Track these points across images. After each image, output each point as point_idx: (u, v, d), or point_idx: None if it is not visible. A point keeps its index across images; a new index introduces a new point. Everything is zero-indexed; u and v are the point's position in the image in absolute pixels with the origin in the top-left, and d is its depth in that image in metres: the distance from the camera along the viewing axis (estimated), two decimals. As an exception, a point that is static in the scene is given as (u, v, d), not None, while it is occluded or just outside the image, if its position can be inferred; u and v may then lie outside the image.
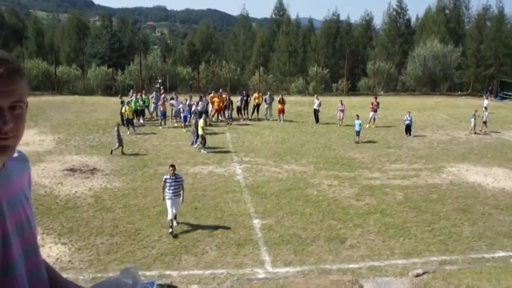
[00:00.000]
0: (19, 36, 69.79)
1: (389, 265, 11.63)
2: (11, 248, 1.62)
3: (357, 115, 25.24)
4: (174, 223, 13.39)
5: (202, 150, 22.10)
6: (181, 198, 13.47)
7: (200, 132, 22.33)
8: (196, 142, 22.86)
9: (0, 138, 1.50)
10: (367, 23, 68.80)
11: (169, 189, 13.16)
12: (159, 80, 42.39)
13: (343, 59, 52.05)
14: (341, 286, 9.90)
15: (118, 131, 21.79)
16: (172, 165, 13.62)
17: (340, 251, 12.38)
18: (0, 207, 1.60)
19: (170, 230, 13.04)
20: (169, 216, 13.15)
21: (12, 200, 1.65)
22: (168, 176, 13.27)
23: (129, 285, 1.76)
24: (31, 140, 23.51)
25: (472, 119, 27.70)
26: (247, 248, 12.44)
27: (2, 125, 1.49)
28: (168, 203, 13.19)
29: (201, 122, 22.80)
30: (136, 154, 21.64)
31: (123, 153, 21.53)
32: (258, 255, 12.10)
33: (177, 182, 13.29)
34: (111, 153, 21.45)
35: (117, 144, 21.61)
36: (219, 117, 30.46)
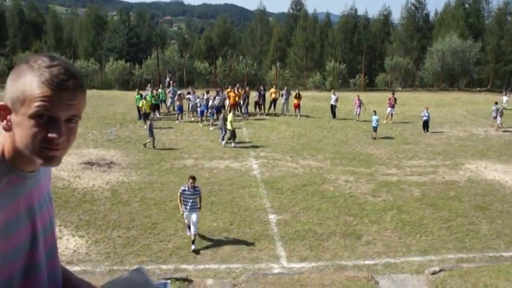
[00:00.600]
0: (38, 30, 70.39)
1: (406, 262, 11.57)
2: (38, 249, 1.66)
3: (374, 111, 25.09)
4: (188, 233, 12.70)
5: (232, 144, 22.19)
6: (199, 211, 12.55)
7: (229, 127, 22.31)
8: (224, 138, 22.87)
9: (51, 149, 1.53)
10: (385, 18, 68.16)
11: (186, 202, 12.24)
12: (169, 74, 42.50)
13: (361, 54, 51.68)
14: (356, 282, 9.88)
15: (151, 125, 21.97)
16: (193, 177, 12.60)
17: (356, 247, 12.34)
18: (33, 208, 1.65)
19: (193, 247, 12.08)
20: (190, 232, 12.38)
21: (41, 201, 1.71)
22: (187, 188, 12.32)
23: (141, 284, 1.78)
24: (50, 133, 23.73)
25: (498, 117, 27.31)
26: (263, 243, 12.46)
27: (57, 136, 1.52)
28: (186, 216, 12.45)
29: (230, 116, 22.78)
30: (153, 148, 21.73)
31: (154, 147, 21.67)
32: (273, 250, 12.12)
33: (196, 195, 12.37)
34: (145, 146, 21.66)
35: (150, 138, 21.73)
36: (236, 112, 30.47)
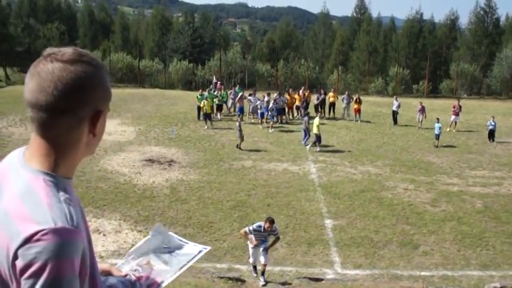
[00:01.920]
0: (106, 30, 72.75)
1: (464, 276, 11.25)
2: (91, 247, 1.63)
3: (437, 118, 24.49)
4: (254, 274, 10.97)
5: (317, 148, 22.23)
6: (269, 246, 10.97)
7: (315, 130, 22.29)
8: (307, 142, 22.92)
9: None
10: (452, 23, 66.17)
11: (257, 240, 10.75)
12: (214, 75, 42.97)
13: (425, 59, 50.51)
14: (412, 293, 9.69)
15: (239, 125, 22.15)
16: (272, 221, 10.70)
17: (412, 257, 12.10)
18: (83, 217, 1.61)
19: (262, 281, 10.51)
20: (256, 272, 10.93)
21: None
22: (262, 230, 10.62)
23: (160, 240, 2.01)
24: (113, 130, 24.54)
25: None
26: (318, 248, 12.42)
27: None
28: (253, 252, 10.90)
29: (317, 120, 22.76)
30: (213, 148, 22.02)
31: (240, 148, 21.84)
32: (328, 255, 12.06)
33: (269, 236, 10.89)
34: (238, 147, 21.80)
35: (239, 138, 21.94)
36: (293, 116, 30.50)
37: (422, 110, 28.06)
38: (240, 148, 21.81)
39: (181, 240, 2.06)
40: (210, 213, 14.45)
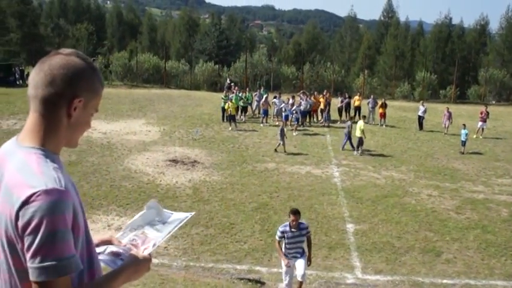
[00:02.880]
0: (134, 31, 73.67)
1: (487, 285, 11.06)
2: (84, 217, 1.91)
3: (463, 124, 24.16)
4: None
5: (358, 152, 22.30)
6: (306, 257, 9.46)
7: (359, 134, 22.26)
8: (344, 145, 23.03)
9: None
10: (482, 28, 65.25)
11: (289, 247, 9.29)
12: (230, 77, 43.09)
13: (453, 64, 49.93)
14: (433, 300, 9.57)
15: (282, 129, 22.03)
16: (296, 212, 9.16)
17: (434, 264, 11.95)
18: (74, 187, 1.88)
19: None
20: (285, 283, 9.57)
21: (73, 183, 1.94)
22: (288, 229, 9.17)
23: (155, 214, 2.28)
24: (138, 129, 24.80)
25: None
26: (338, 252, 12.36)
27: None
28: (287, 270, 9.41)
29: (361, 124, 22.67)
30: (236, 150, 22.08)
31: (277, 150, 21.84)
32: (348, 260, 11.99)
33: (302, 236, 9.32)
34: (285, 151, 21.80)
35: (281, 142, 21.89)
36: (319, 118, 30.44)
37: (449, 116, 27.73)
38: (277, 151, 21.79)
39: (170, 212, 2.31)
40: (232, 214, 14.48)
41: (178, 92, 41.77)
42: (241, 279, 9.86)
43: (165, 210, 2.29)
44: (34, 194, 1.64)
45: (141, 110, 31.44)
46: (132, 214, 13.92)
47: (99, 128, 24.80)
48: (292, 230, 9.08)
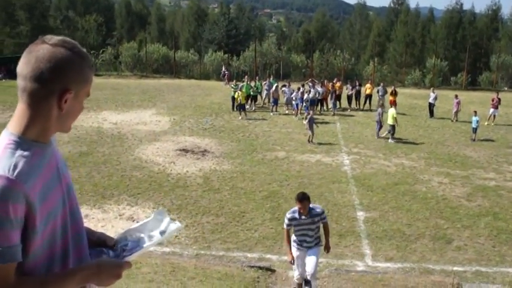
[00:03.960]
0: (143, 22, 73.67)
1: (498, 272, 11.03)
2: (66, 206, 1.93)
3: (475, 111, 23.97)
4: None
5: (389, 140, 22.35)
6: (321, 247, 8.40)
7: (391, 122, 22.30)
8: (379, 132, 23.06)
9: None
10: (494, 13, 64.46)
11: (298, 235, 8.11)
12: (224, 66, 43.06)
13: (464, 51, 49.44)
14: None
15: (311, 120, 21.81)
16: (302, 198, 7.74)
17: (445, 251, 11.94)
18: (59, 168, 1.93)
19: None
20: (296, 276, 8.44)
21: (62, 163, 1.99)
22: (298, 216, 7.88)
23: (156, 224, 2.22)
24: (149, 120, 24.90)
25: None
26: (349, 240, 12.38)
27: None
28: (296, 255, 8.20)
29: (393, 112, 22.63)
30: (311, 142, 21.79)
31: (310, 141, 21.64)
32: (359, 247, 12.01)
33: (313, 223, 8.01)
34: (312, 142, 21.61)
35: (309, 132, 21.76)
36: (329, 107, 30.34)
37: (457, 104, 27.50)
38: (312, 142, 21.58)
39: (174, 223, 2.25)
40: (242, 203, 14.54)
41: (187, 81, 41.79)
42: (252, 267, 9.90)
43: (170, 221, 2.24)
44: None
45: (151, 100, 31.52)
46: (143, 204, 14.05)
47: (110, 118, 24.93)
48: (303, 217, 7.85)
